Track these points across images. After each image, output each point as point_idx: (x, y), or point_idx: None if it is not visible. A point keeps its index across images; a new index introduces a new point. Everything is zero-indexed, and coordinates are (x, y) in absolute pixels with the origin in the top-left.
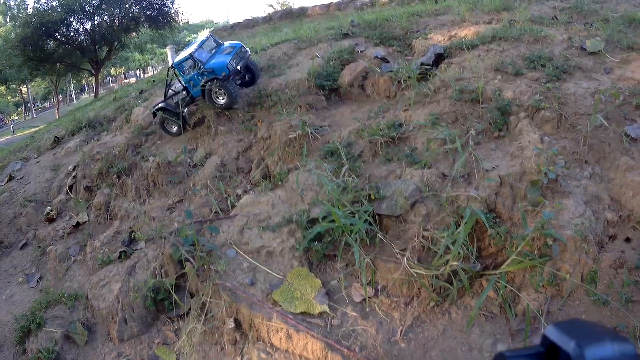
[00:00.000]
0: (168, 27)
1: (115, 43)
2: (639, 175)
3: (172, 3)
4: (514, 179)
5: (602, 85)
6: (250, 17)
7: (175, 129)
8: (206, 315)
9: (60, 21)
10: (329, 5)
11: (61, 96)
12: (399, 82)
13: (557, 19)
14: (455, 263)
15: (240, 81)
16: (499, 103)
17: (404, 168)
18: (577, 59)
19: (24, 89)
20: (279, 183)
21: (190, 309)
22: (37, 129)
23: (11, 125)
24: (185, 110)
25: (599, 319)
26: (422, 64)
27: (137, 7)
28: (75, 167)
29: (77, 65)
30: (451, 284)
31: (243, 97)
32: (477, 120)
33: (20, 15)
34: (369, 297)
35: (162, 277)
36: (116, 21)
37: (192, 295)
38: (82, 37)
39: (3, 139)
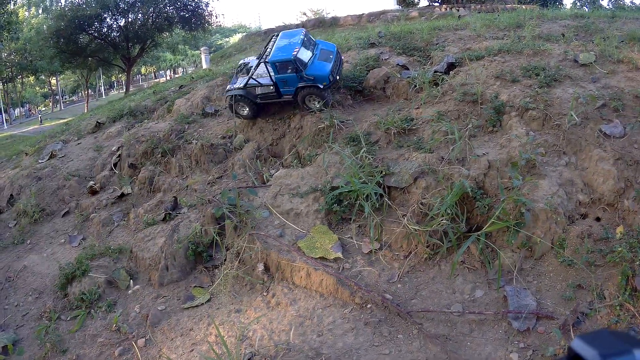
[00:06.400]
0: (201, 29)
1: (148, 41)
2: (609, 164)
3: (207, 6)
4: (501, 163)
5: (587, 91)
6: (284, 24)
7: (246, 111)
8: (239, 262)
9: (94, 16)
10: (360, 16)
11: (90, 91)
12: (415, 86)
13: (564, 36)
14: (444, 222)
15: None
16: (495, 104)
17: (411, 152)
18: (569, 69)
19: (53, 80)
20: (308, 163)
21: (225, 260)
22: (65, 120)
23: (39, 115)
24: (259, 101)
25: (565, 278)
26: (435, 71)
27: (172, 7)
28: (119, 147)
29: (108, 60)
30: (443, 242)
31: None
32: (475, 118)
33: (53, 7)
34: (375, 250)
35: (202, 235)
36: (150, 20)
37: (227, 249)
38: (115, 33)
39: (31, 128)
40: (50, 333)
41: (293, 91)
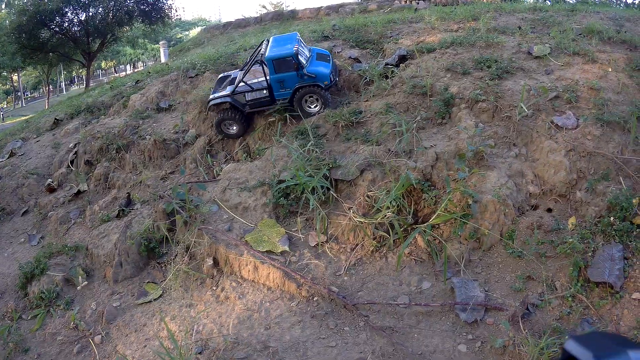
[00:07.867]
0: (161, 22)
1: (109, 36)
2: (560, 156)
3: None
4: (448, 155)
5: (539, 83)
6: (243, 17)
7: (234, 129)
8: (189, 257)
9: (56, 11)
10: (319, 9)
11: (51, 87)
12: (366, 79)
13: (520, 29)
14: (390, 214)
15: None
16: (444, 96)
17: (358, 145)
18: (522, 61)
19: (15, 77)
20: (257, 156)
21: (176, 255)
22: (26, 117)
23: (1, 113)
24: (248, 110)
25: (514, 269)
26: (387, 64)
27: (132, 1)
28: (76, 144)
29: (69, 56)
30: (389, 234)
31: None
32: (424, 110)
33: (16, 2)
34: (321, 243)
35: (155, 230)
36: (110, 14)
37: (178, 244)
38: (76, 28)
39: None
40: (12, 333)
41: (289, 94)
